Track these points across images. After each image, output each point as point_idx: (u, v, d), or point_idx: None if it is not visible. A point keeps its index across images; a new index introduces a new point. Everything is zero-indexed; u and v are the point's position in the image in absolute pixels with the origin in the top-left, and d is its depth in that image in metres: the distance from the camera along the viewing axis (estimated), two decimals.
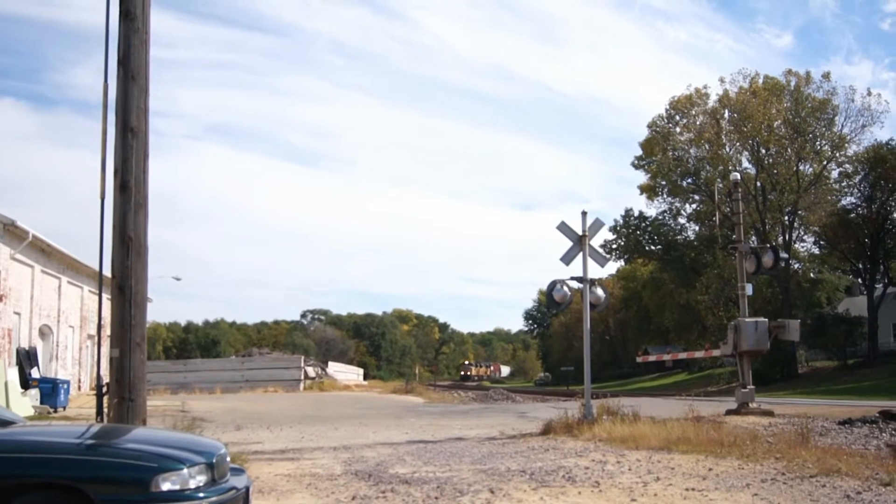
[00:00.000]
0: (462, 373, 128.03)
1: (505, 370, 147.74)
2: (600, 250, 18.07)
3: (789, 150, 57.70)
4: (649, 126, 62.76)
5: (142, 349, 9.25)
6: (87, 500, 5.37)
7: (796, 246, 61.80)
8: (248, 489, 6.47)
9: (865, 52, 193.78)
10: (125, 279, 9.20)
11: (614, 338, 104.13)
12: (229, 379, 45.92)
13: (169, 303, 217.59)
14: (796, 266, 62.29)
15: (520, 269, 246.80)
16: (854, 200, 59.44)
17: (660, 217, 66.01)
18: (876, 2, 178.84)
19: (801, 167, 58.32)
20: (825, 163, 58.41)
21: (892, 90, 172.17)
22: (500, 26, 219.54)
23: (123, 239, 9.22)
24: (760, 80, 58.63)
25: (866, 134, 56.91)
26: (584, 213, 17.20)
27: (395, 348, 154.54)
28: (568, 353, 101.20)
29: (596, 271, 17.70)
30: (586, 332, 17.26)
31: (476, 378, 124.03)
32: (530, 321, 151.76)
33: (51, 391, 24.91)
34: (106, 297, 9.87)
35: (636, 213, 66.89)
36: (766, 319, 20.68)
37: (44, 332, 32.15)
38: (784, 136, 57.47)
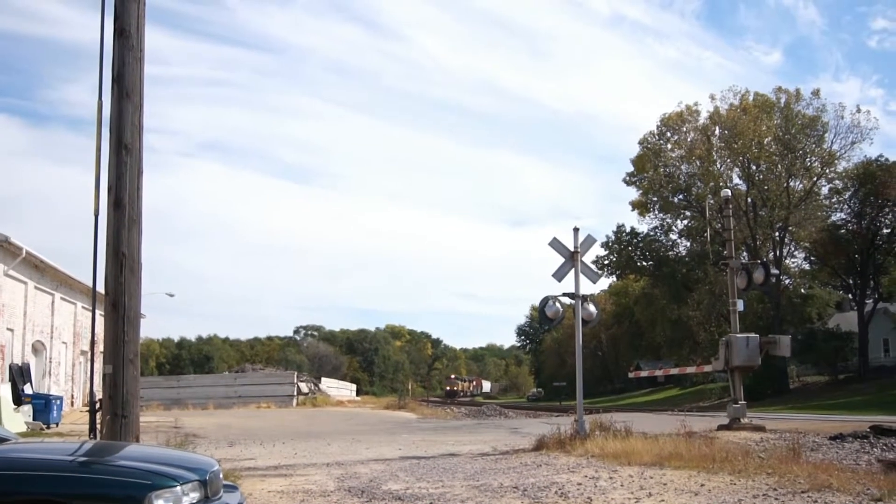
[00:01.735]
0: (448, 388, 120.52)
1: (486, 385, 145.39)
2: (592, 266, 18.14)
3: (780, 166, 57.98)
4: (640, 142, 63.06)
5: (135, 365, 9.26)
6: None
7: (787, 262, 62.03)
8: None
9: (853, 69, 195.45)
10: (119, 296, 9.21)
11: (606, 353, 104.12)
12: (222, 395, 45.81)
13: (162, 319, 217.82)
14: (787, 282, 62.49)
15: (512, 285, 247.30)
16: (844, 216, 59.84)
17: (651, 233, 66.20)
18: (863, 19, 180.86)
19: (792, 183, 58.65)
20: (815, 179, 58.77)
21: (880, 107, 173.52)
22: (490, 43, 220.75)
23: (117, 255, 9.24)
24: (751, 98, 59.04)
25: (856, 150, 57.53)
26: (575, 230, 17.26)
27: (388, 364, 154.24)
28: (560, 369, 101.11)
29: (588, 287, 17.74)
30: (578, 347, 17.30)
31: (462, 393, 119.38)
32: (523, 337, 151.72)
33: (43, 407, 24.85)
34: (99, 313, 9.87)
35: (628, 229, 67.08)
36: (758, 335, 20.75)
37: (37, 349, 32.06)
38: (774, 152, 57.77)
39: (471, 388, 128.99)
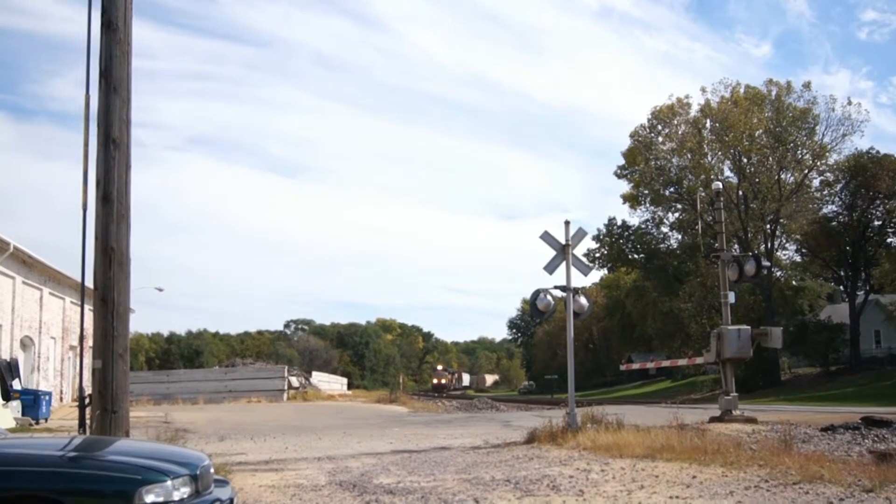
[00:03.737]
0: (435, 381, 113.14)
1: (466, 378, 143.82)
2: (583, 259, 18.10)
3: (771, 159, 58.14)
4: (631, 135, 63.11)
5: (124, 360, 9.22)
6: None
7: (778, 254, 62.26)
8: (232, 500, 6.45)
9: (843, 61, 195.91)
10: (107, 290, 9.17)
11: (598, 346, 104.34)
12: (212, 389, 45.73)
13: (151, 313, 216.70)
14: (778, 274, 62.66)
15: (503, 279, 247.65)
16: (835, 209, 60.17)
17: (642, 226, 66.37)
18: (853, 11, 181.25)
19: (783, 176, 58.81)
20: (806, 171, 58.93)
21: (870, 99, 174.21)
22: (481, 37, 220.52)
23: (106, 250, 9.19)
24: (742, 90, 59.12)
25: (847, 143, 57.71)
26: (567, 223, 17.22)
27: (379, 358, 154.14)
28: (552, 362, 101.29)
29: (579, 280, 17.74)
30: (570, 340, 17.27)
31: (451, 387, 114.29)
32: (514, 330, 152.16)
33: (32, 403, 24.77)
34: (88, 308, 9.82)
35: (619, 222, 67.25)
36: (749, 327, 20.76)
37: (25, 344, 31.94)
38: (765, 145, 57.92)
39: (453, 381, 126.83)
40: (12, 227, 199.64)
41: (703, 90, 60.13)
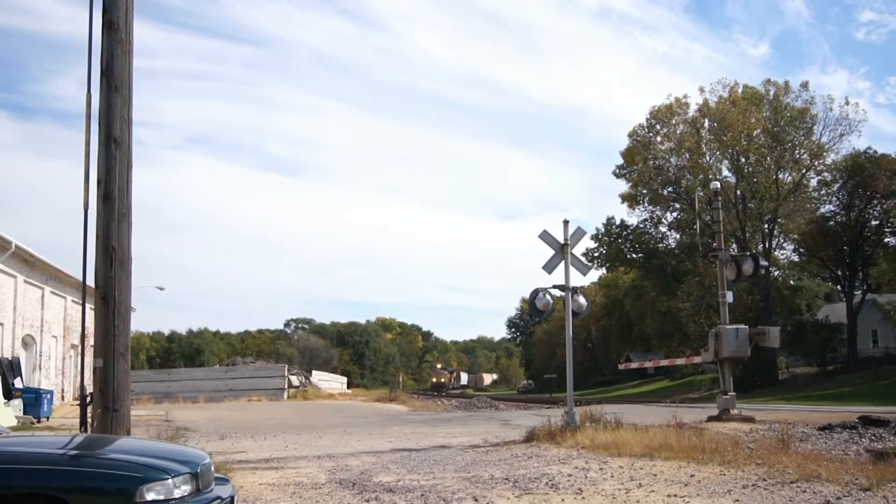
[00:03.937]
0: (434, 379, 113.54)
1: (464, 377, 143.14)
2: (582, 259, 18.13)
3: (769, 158, 58.16)
4: (630, 135, 63.14)
5: (125, 359, 9.25)
6: None
7: (776, 253, 62.23)
8: (232, 498, 6.48)
9: (840, 61, 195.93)
10: (109, 289, 9.20)
11: (597, 345, 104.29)
12: (213, 388, 45.77)
13: (152, 312, 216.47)
14: (776, 273, 62.69)
15: (502, 278, 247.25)
16: (833, 208, 60.10)
17: (641, 225, 66.33)
18: (850, 11, 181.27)
19: (781, 176, 58.83)
20: (804, 171, 58.93)
21: (867, 99, 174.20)
22: (481, 37, 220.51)
23: (107, 249, 9.22)
24: (740, 90, 59.14)
25: (844, 143, 57.70)
26: (565, 222, 17.25)
27: (379, 357, 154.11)
28: (551, 361, 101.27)
29: (578, 279, 17.77)
30: (569, 339, 17.31)
31: (450, 385, 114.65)
32: (513, 329, 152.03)
33: (34, 401, 24.80)
34: (90, 307, 9.86)
35: (618, 222, 67.20)
36: (747, 327, 20.79)
37: (27, 342, 31.96)
38: (763, 144, 57.93)
39: (452, 380, 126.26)
40: (14, 226, 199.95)
41: (702, 90, 60.22)
